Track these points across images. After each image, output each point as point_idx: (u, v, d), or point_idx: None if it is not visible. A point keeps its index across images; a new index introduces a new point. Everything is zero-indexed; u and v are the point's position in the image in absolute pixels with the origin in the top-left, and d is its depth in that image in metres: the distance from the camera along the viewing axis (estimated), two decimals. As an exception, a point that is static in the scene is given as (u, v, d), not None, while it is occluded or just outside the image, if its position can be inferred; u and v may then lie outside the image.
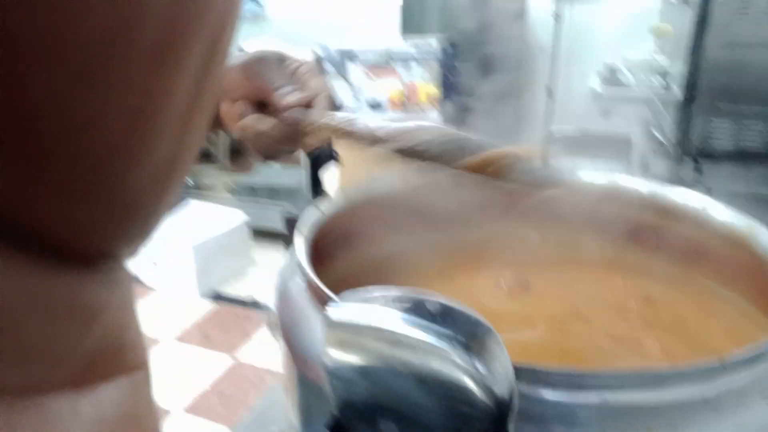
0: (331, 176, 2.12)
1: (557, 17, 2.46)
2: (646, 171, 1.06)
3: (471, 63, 2.27)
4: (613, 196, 0.38)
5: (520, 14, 2.58)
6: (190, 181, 3.00)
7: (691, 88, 1.23)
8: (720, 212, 0.32)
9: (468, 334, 0.17)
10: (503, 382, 0.17)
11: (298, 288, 0.29)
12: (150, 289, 2.47)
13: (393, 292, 0.19)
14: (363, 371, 0.19)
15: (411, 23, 2.42)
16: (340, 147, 1.93)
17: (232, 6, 0.14)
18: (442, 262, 0.39)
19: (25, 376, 0.12)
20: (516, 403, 0.17)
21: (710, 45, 1.21)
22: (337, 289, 0.23)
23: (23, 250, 0.12)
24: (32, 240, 0.12)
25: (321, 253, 0.33)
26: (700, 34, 1.21)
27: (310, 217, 0.34)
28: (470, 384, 0.17)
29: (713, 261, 0.34)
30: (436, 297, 0.19)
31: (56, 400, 0.13)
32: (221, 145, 3.05)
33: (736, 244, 0.32)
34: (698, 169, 1.07)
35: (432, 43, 1.88)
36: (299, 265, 0.28)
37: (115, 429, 0.14)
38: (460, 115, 2.12)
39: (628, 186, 0.37)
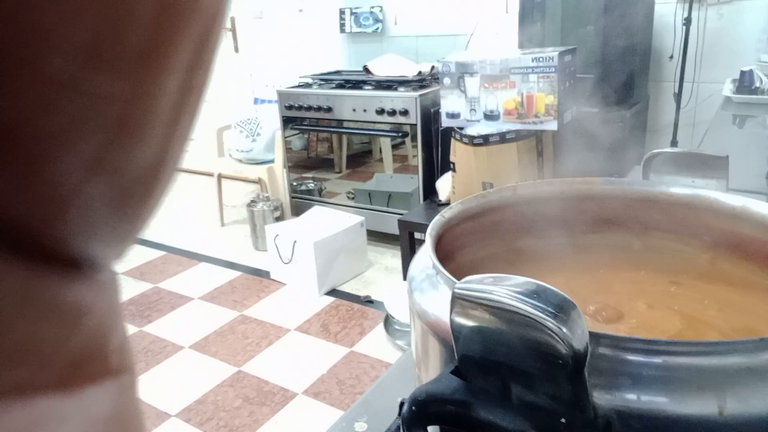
0: (444, 183, 2.21)
1: (687, 22, 2.36)
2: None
3: (592, 73, 2.25)
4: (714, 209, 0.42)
5: (647, 21, 2.51)
6: (314, 189, 3.23)
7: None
8: None
9: (556, 306, 0.25)
10: (580, 340, 0.24)
11: (428, 274, 0.37)
12: (281, 284, 2.70)
13: (502, 276, 0.27)
14: (479, 331, 0.27)
15: (530, 35, 2.45)
16: (454, 156, 2.01)
17: (220, 2, 0.14)
18: (546, 263, 0.45)
19: (11, 377, 0.13)
20: (588, 355, 0.24)
21: None
22: (458, 276, 0.30)
23: (7, 252, 0.13)
24: (16, 242, 0.13)
25: (443, 251, 0.41)
26: None
27: (436, 222, 0.42)
28: (556, 340, 0.24)
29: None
30: (534, 280, 0.26)
31: (42, 402, 0.13)
32: (341, 154, 3.24)
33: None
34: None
35: (551, 54, 1.89)
36: (430, 256, 0.36)
37: (102, 431, 0.14)
38: (580, 125, 2.11)
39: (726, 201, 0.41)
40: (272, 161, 3.35)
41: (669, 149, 0.46)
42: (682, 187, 0.41)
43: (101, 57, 0.12)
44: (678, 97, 2.44)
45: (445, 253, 0.41)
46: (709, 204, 0.39)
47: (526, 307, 0.25)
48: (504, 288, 0.26)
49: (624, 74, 2.33)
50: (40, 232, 0.13)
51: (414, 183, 2.85)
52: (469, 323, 0.27)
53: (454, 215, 0.44)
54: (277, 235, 2.68)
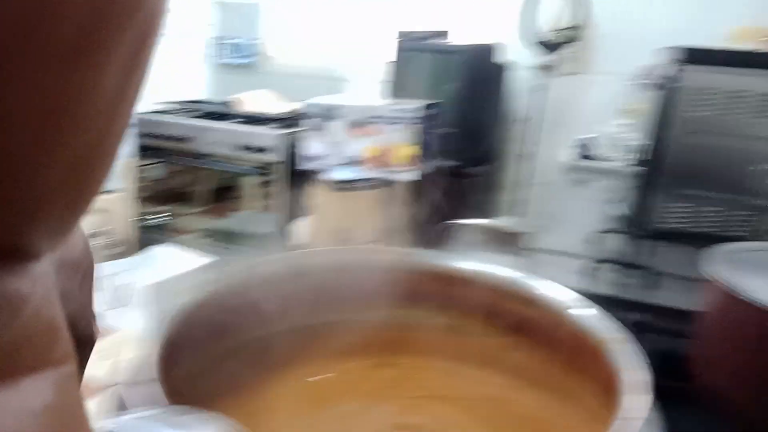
0: (300, 227, 2.14)
1: (539, 88, 2.55)
2: (596, 248, 1.09)
3: (453, 128, 2.34)
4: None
5: (500, 86, 2.68)
6: (167, 224, 3.00)
7: (651, 167, 1.28)
8: (583, 311, 0.33)
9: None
10: None
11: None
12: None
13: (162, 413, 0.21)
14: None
15: (400, 86, 2.51)
16: (313, 199, 1.96)
17: (158, 7, 0.14)
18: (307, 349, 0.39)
19: None
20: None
21: (675, 130, 1.26)
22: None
23: None
24: None
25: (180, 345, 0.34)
26: (666, 119, 1.27)
27: (170, 309, 0.35)
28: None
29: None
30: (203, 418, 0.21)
31: None
32: (201, 188, 3.07)
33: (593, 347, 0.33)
34: (651, 248, 1.10)
35: (416, 106, 1.94)
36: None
37: (42, 421, 0.14)
38: (440, 178, 2.17)
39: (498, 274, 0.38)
40: (119, 191, 3.08)
41: (469, 221, 0.43)
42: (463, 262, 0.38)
43: (33, 46, 0.12)
44: (523, 159, 2.61)
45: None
46: (486, 281, 0.36)
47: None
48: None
49: (481, 134, 2.45)
50: None
51: (273, 224, 2.76)
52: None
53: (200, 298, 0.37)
54: (112, 273, 2.43)
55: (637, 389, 0.21)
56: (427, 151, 2.04)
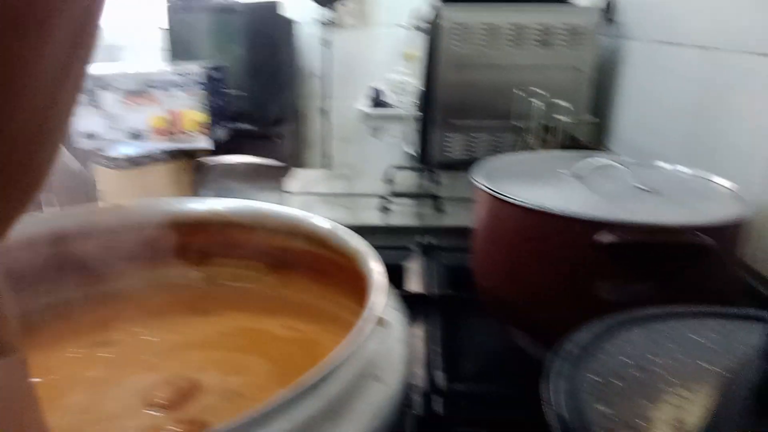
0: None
1: (325, 43, 2.57)
2: (391, 184, 1.14)
3: (244, 89, 2.26)
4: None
5: (292, 41, 2.65)
6: None
7: (428, 106, 1.36)
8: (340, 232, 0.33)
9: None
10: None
11: None
12: None
13: None
14: None
15: (178, 50, 2.34)
16: (97, 181, 1.77)
17: None
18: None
19: None
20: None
21: (443, 68, 1.35)
22: None
23: None
24: None
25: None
26: (434, 59, 1.35)
27: None
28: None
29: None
30: None
31: None
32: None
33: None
34: (435, 179, 1.18)
35: (197, 69, 1.82)
36: None
37: None
38: (233, 141, 2.09)
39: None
40: None
41: (224, 160, 0.41)
42: (235, 203, 0.36)
43: None
44: (324, 113, 2.64)
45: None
46: (263, 219, 0.35)
47: None
48: None
49: (276, 92, 2.40)
50: None
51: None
52: None
53: None
54: None
55: (378, 299, 0.22)
56: (218, 116, 1.95)
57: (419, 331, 0.68)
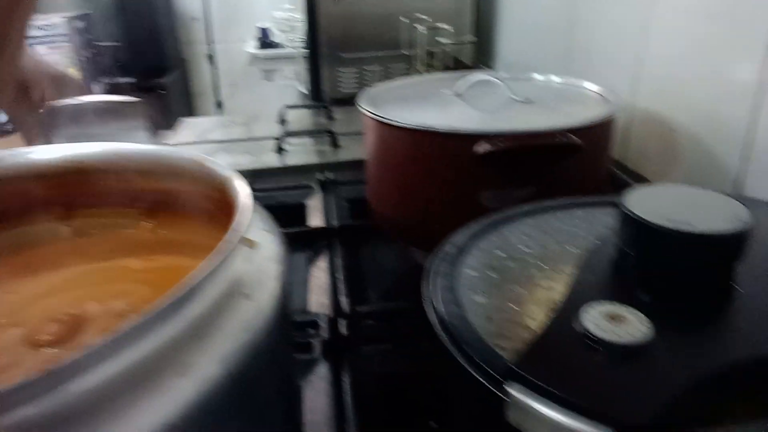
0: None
1: (201, -17, 2.41)
2: (285, 124, 1.11)
3: (118, 41, 2.09)
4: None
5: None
6: None
7: (314, 41, 1.32)
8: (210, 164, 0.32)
9: None
10: None
11: None
12: None
13: None
14: None
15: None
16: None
17: None
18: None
19: None
20: None
21: (324, 3, 1.31)
22: None
23: None
24: None
25: None
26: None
27: None
28: None
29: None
30: None
31: None
32: None
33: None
34: (329, 115, 1.16)
35: (57, 20, 1.66)
36: None
37: None
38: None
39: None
40: None
41: (72, 101, 0.38)
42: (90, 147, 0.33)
43: None
44: (211, 59, 2.50)
45: None
46: (126, 162, 0.33)
47: None
48: None
49: (152, 40, 2.24)
50: None
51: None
52: None
53: None
54: None
55: (243, 219, 0.21)
56: (90, 71, 1.80)
57: (323, 263, 0.69)
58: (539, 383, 0.21)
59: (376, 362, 0.49)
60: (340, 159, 1.00)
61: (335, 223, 0.75)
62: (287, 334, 0.23)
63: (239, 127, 1.21)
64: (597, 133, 0.55)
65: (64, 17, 1.65)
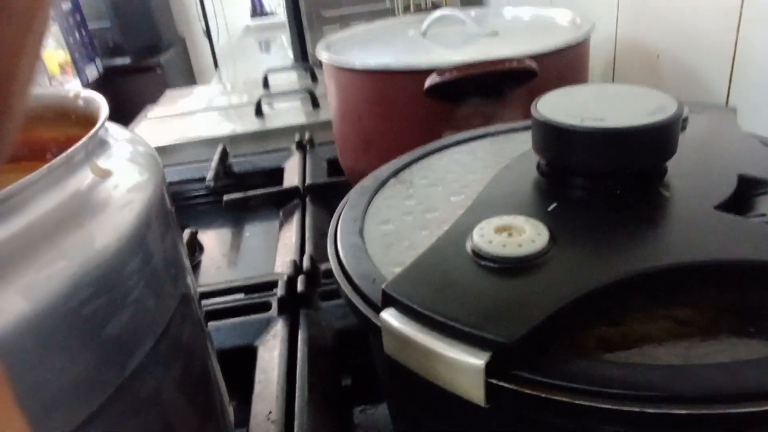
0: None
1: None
2: (267, 87, 1.09)
3: (108, 22, 2.06)
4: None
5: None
6: None
7: (295, 5, 1.28)
8: None
9: None
10: None
11: None
12: None
13: None
14: None
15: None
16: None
17: None
18: None
19: None
20: None
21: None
22: None
23: None
24: None
25: None
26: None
27: None
28: None
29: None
30: None
31: None
32: None
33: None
34: (314, 77, 1.13)
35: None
36: None
37: None
38: (107, 79, 1.92)
39: None
40: None
41: None
42: None
43: None
44: (208, 34, 2.47)
45: None
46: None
47: None
48: None
49: (145, 19, 2.21)
50: None
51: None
52: None
53: None
54: None
55: (88, 143, 0.19)
56: (82, 53, 1.78)
57: (295, 225, 0.66)
58: (412, 305, 0.18)
59: (334, 318, 0.47)
60: (321, 119, 0.97)
61: (309, 182, 0.73)
62: (141, 269, 0.21)
63: (224, 95, 1.18)
64: (562, 60, 0.51)
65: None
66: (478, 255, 0.20)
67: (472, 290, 0.19)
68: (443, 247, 0.21)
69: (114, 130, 0.27)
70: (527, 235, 0.20)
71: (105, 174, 0.21)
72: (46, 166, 0.18)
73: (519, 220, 0.21)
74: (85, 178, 0.20)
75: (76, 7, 1.80)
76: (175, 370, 0.25)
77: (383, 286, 0.19)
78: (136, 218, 0.21)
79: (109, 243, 0.19)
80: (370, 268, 0.23)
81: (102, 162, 0.22)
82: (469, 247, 0.20)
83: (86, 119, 0.30)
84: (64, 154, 0.19)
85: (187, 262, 0.28)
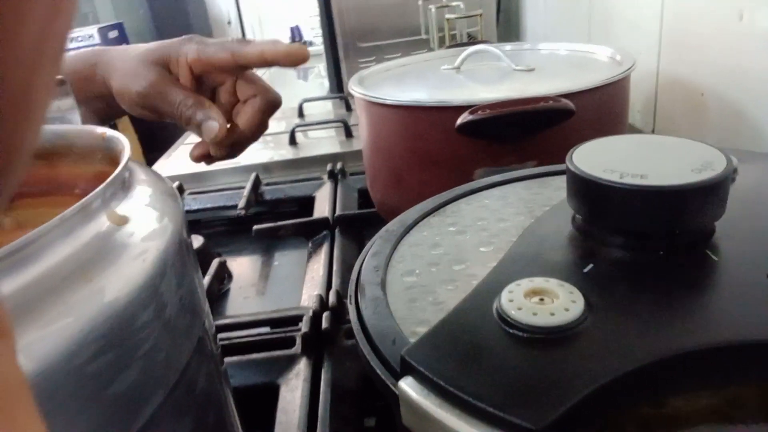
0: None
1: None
2: (302, 117, 1.09)
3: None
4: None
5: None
6: None
7: (332, 33, 1.29)
8: None
9: None
10: None
11: None
12: None
13: None
14: None
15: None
16: None
17: None
18: None
19: None
20: None
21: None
22: None
23: None
24: None
25: None
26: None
27: None
28: None
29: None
30: None
31: None
32: None
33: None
34: (348, 106, 1.13)
35: (90, 31, 1.70)
36: None
37: None
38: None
39: None
40: None
41: None
42: None
43: None
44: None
45: None
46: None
47: None
48: None
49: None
50: None
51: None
52: None
53: None
54: None
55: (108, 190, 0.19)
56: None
57: (323, 256, 0.65)
58: (432, 377, 0.17)
59: (359, 358, 0.45)
60: (354, 149, 0.97)
61: (339, 213, 0.72)
62: (153, 321, 0.20)
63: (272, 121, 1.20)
64: (600, 98, 0.49)
65: (95, 27, 1.69)
66: (506, 322, 0.18)
67: (498, 363, 0.17)
68: (469, 311, 0.20)
69: (136, 169, 0.26)
70: (560, 301, 0.18)
71: (122, 221, 0.20)
72: (59, 216, 0.18)
73: (552, 284, 0.19)
74: (100, 226, 0.20)
75: (122, 37, 1.86)
76: (189, 421, 0.24)
77: (402, 352, 0.18)
78: (150, 267, 0.20)
79: (119, 296, 0.18)
80: (391, 327, 0.22)
81: (120, 207, 0.22)
82: (496, 311, 0.19)
83: (111, 158, 0.30)
84: (79, 203, 0.19)
85: (205, 304, 0.28)
